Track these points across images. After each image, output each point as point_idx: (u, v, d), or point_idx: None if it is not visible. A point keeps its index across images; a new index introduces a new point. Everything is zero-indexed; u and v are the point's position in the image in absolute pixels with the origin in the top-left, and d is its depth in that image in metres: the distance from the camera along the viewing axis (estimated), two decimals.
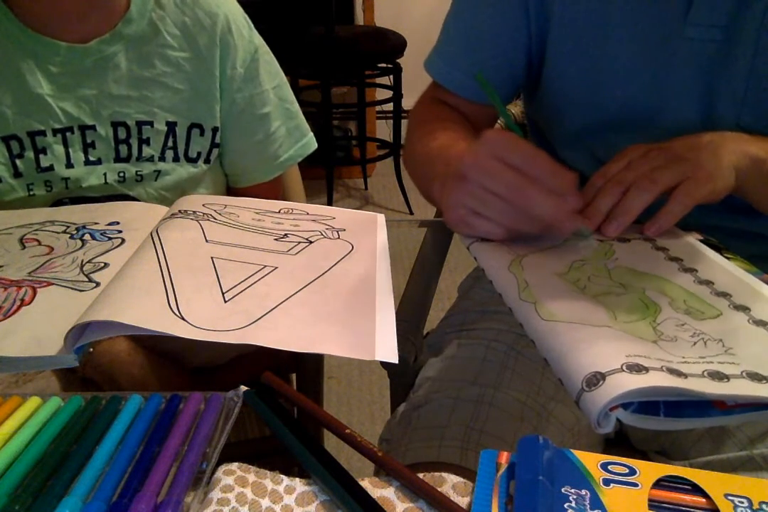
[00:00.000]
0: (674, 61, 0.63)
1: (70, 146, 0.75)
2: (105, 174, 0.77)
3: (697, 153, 0.55)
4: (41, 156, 0.74)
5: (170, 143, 0.79)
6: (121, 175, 0.78)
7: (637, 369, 0.35)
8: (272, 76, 0.84)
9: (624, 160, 0.56)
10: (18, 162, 0.73)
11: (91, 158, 0.76)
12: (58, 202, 0.76)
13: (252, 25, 0.83)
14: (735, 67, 0.61)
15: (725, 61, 0.61)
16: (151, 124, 0.77)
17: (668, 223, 0.54)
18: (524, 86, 0.77)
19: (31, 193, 0.75)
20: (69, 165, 0.75)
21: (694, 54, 0.62)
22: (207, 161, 0.82)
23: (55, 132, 0.74)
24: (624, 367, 0.35)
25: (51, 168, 0.75)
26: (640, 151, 0.56)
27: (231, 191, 0.91)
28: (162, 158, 0.79)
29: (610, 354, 0.37)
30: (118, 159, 0.77)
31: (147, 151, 0.78)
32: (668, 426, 0.36)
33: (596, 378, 0.35)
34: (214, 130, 0.81)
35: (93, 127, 0.75)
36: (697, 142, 0.57)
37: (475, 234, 0.55)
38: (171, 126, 0.78)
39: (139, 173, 0.78)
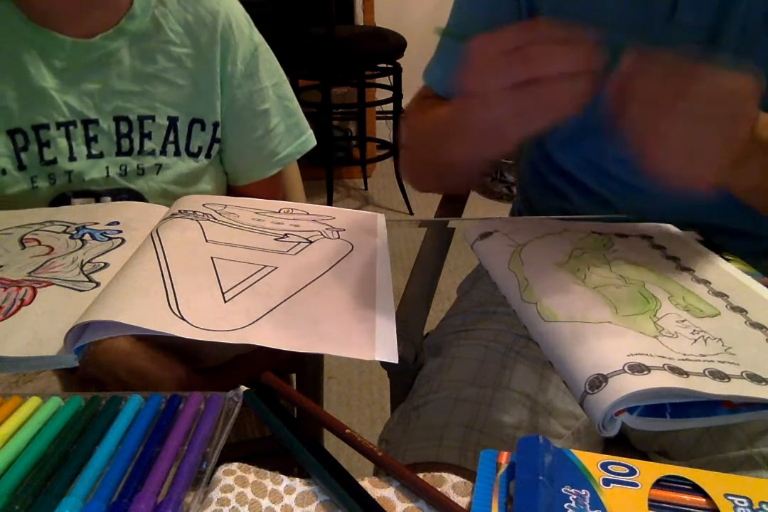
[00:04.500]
0: None
1: (73, 140, 0.76)
2: (107, 167, 0.78)
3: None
4: (45, 149, 0.75)
5: (171, 138, 0.80)
6: (123, 168, 0.78)
7: (639, 369, 0.35)
8: (272, 73, 0.85)
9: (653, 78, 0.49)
10: (22, 155, 0.74)
11: (94, 152, 0.77)
12: (61, 196, 0.77)
13: (252, 23, 0.84)
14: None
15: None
16: (152, 118, 0.78)
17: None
18: None
19: (35, 185, 0.75)
20: (72, 158, 0.76)
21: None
22: (208, 156, 0.83)
23: (58, 125, 0.75)
24: (626, 368, 0.35)
25: (54, 161, 0.75)
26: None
27: (231, 190, 0.91)
28: (163, 152, 0.80)
29: (612, 355, 0.37)
30: (119, 153, 0.78)
31: (148, 145, 0.79)
32: (676, 426, 0.35)
33: (598, 381, 0.35)
34: (215, 125, 0.82)
35: (96, 121, 0.76)
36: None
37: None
38: (172, 121, 0.79)
39: (140, 167, 0.79)
